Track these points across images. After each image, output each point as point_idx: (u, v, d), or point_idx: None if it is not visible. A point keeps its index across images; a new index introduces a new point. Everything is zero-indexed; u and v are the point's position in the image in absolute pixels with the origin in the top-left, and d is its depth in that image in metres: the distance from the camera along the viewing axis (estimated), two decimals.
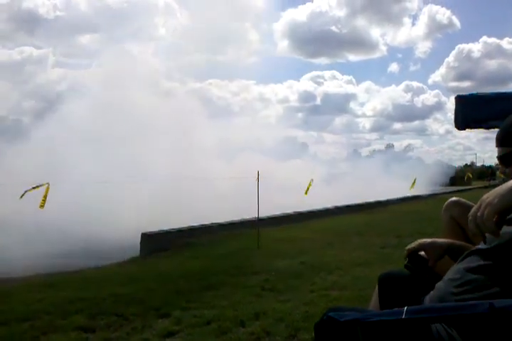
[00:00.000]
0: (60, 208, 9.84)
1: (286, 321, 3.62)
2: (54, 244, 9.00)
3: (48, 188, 7.18)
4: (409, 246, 1.74)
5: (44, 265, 7.28)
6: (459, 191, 25.57)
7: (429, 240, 1.73)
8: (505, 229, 1.22)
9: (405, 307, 1.14)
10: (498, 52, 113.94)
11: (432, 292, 1.49)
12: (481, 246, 1.41)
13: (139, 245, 8.47)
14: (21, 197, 7.28)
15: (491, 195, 1.17)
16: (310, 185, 11.13)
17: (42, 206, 7.29)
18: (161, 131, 17.51)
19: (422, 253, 1.74)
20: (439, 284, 1.47)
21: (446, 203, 2.32)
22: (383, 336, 1.25)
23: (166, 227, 9.20)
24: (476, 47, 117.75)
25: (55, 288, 5.20)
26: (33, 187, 7.17)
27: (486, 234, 1.21)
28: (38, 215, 8.87)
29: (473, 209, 1.19)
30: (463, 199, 2.26)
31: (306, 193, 11.13)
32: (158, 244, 8.51)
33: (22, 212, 10.03)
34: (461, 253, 1.49)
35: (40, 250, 8.41)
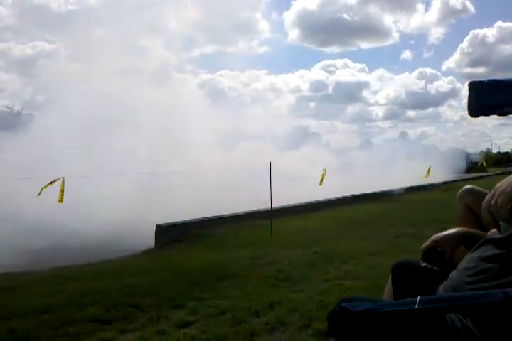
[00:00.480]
0: (72, 201, 9.94)
1: (301, 311, 3.63)
2: (69, 237, 9.12)
3: (63, 182, 7.25)
4: (423, 246, 1.73)
5: (60, 258, 7.37)
6: (473, 178, 25.31)
7: (440, 234, 1.71)
8: None
9: (418, 297, 1.13)
10: None
11: (445, 281, 1.47)
12: (495, 235, 1.39)
13: (153, 237, 8.54)
14: (39, 194, 7.35)
15: (505, 183, 1.15)
16: (324, 175, 11.08)
17: (60, 200, 7.36)
18: (169, 123, 17.54)
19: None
20: (453, 273, 1.46)
21: (460, 191, 2.29)
22: (397, 326, 1.24)
23: (179, 219, 9.26)
24: (490, 33, 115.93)
25: (72, 280, 5.27)
26: (49, 183, 7.24)
27: (500, 223, 1.20)
28: (52, 209, 8.96)
29: (486, 198, 1.17)
30: (477, 187, 2.23)
31: (320, 184, 11.09)
32: (172, 235, 8.57)
33: (33, 205, 10.13)
34: (476, 241, 1.48)
35: (56, 243, 8.53)
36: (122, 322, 3.64)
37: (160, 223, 8.74)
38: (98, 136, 15.30)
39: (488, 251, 1.37)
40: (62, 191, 7.26)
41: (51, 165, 11.67)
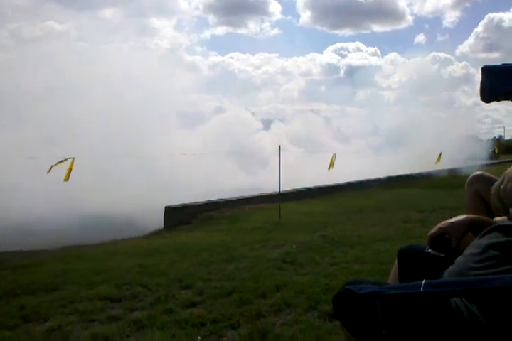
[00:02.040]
0: (85, 182, 10.03)
1: (307, 293, 3.66)
2: (80, 217, 9.23)
3: (72, 162, 7.31)
4: (430, 233, 1.72)
5: (71, 237, 7.48)
6: (485, 165, 25.06)
7: (448, 221, 1.69)
8: None
9: (423, 281, 1.13)
10: None
11: (451, 266, 1.47)
12: (505, 222, 1.38)
13: (162, 218, 8.62)
14: (48, 171, 7.43)
15: None
16: (333, 159, 11.05)
17: (66, 179, 7.43)
18: (183, 107, 17.56)
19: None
20: (459, 259, 1.46)
21: (469, 177, 2.28)
22: (401, 309, 1.25)
23: (189, 201, 9.31)
24: (507, 17, 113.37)
25: (82, 260, 5.35)
26: (59, 162, 7.31)
27: (510, 209, 1.19)
28: (62, 188, 9.05)
29: (496, 184, 1.16)
30: (486, 173, 2.22)
31: (329, 168, 11.08)
32: (181, 217, 8.64)
33: (43, 186, 10.25)
34: (484, 228, 1.47)
35: (66, 223, 8.65)
36: (131, 300, 3.69)
37: (169, 204, 8.81)
38: (112, 120, 15.33)
39: (495, 237, 1.36)
40: (69, 170, 7.33)
41: (61, 145, 11.75)
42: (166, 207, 8.72)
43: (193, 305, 3.54)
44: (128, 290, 3.95)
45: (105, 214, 9.58)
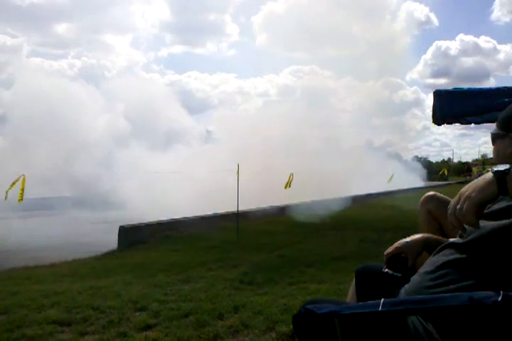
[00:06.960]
0: (38, 200, 9.70)
1: (265, 314, 3.63)
2: (32, 237, 8.88)
3: (24, 180, 7.04)
4: (386, 252, 1.74)
5: (21, 258, 7.16)
6: (435, 186, 25.94)
7: (404, 240, 1.72)
8: (480, 223, 1.23)
9: (382, 300, 1.14)
10: (475, 49, 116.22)
11: (406, 285, 1.49)
12: (456, 240, 1.42)
13: (116, 238, 8.39)
14: (6, 198, 7.12)
15: (470, 188, 1.18)
16: (290, 178, 11.14)
17: (20, 199, 7.13)
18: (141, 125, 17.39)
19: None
20: (414, 277, 1.48)
21: (422, 198, 2.34)
22: (360, 328, 1.26)
23: (144, 220, 9.13)
24: (453, 45, 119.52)
25: (31, 281, 5.13)
26: (12, 184, 7.03)
27: (466, 227, 1.22)
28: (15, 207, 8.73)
29: (452, 202, 1.19)
30: (439, 194, 2.29)
31: (286, 187, 11.15)
32: (136, 237, 8.44)
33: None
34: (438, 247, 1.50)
35: (18, 243, 8.30)
36: (82, 324, 3.55)
37: (123, 224, 8.59)
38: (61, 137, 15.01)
39: (448, 255, 1.39)
40: (22, 189, 7.03)
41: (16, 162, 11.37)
42: (120, 227, 8.50)
43: (148, 327, 3.44)
44: (79, 313, 3.80)
45: (56, 234, 9.26)
